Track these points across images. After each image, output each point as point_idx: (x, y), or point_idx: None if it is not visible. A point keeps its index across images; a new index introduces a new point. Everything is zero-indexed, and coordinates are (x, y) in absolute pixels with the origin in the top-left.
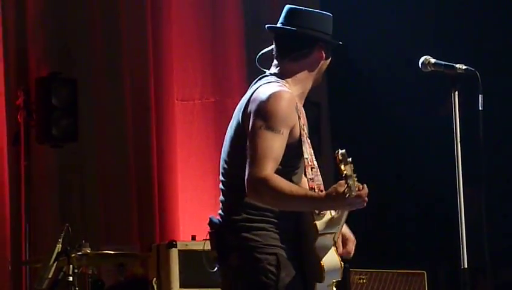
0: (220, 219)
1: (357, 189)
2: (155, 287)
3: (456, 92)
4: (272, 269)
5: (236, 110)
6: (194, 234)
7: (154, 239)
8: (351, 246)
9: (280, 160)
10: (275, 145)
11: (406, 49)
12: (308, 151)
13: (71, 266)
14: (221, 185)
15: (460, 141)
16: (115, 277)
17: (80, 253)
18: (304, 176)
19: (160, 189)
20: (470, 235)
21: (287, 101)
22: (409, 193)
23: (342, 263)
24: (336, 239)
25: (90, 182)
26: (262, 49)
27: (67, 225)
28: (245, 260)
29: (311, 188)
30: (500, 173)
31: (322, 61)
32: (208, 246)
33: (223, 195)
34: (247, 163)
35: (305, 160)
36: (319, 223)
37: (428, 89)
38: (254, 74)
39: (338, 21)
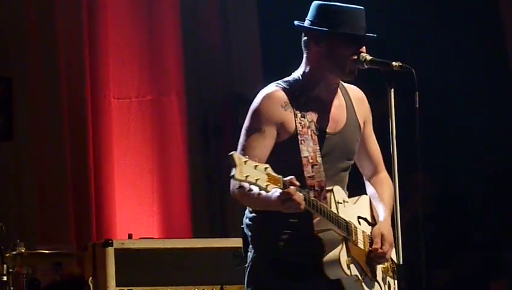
0: None
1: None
2: (91, 286)
3: (392, 90)
4: (248, 268)
5: None
6: (130, 233)
7: (91, 238)
8: (387, 247)
9: (264, 157)
10: (255, 144)
11: None
12: (309, 149)
13: (5, 265)
14: None
15: (396, 138)
16: (51, 276)
17: (14, 252)
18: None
19: (97, 188)
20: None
21: (269, 99)
22: None
23: (347, 259)
24: (342, 234)
25: (26, 180)
26: (199, 46)
27: (0, 224)
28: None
29: (311, 186)
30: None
31: (321, 51)
32: None
33: None
34: None
35: (303, 159)
36: (315, 222)
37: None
38: (192, 70)
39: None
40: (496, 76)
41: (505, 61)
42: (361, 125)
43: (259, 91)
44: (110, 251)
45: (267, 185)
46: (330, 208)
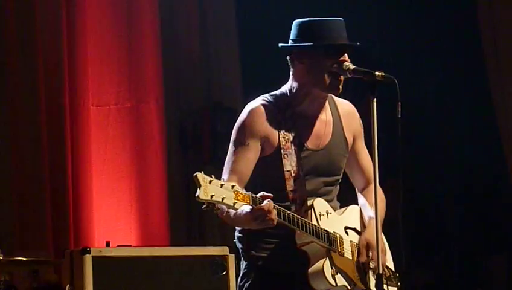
0: None
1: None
2: None
3: (375, 99)
4: (239, 279)
5: None
6: (108, 240)
7: (68, 245)
8: (375, 254)
9: (247, 170)
10: (239, 158)
11: None
12: (292, 163)
13: None
14: None
15: (378, 146)
16: (29, 283)
17: None
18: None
19: (75, 195)
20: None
21: (254, 113)
22: None
23: (331, 270)
24: (324, 246)
25: (3, 187)
26: (178, 54)
27: None
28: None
29: (293, 200)
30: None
31: (304, 67)
32: None
33: None
34: None
35: (286, 173)
36: (296, 235)
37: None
38: (170, 78)
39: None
40: (475, 88)
41: (486, 80)
42: (350, 140)
43: (237, 99)
44: (88, 259)
45: (234, 203)
46: (311, 220)
